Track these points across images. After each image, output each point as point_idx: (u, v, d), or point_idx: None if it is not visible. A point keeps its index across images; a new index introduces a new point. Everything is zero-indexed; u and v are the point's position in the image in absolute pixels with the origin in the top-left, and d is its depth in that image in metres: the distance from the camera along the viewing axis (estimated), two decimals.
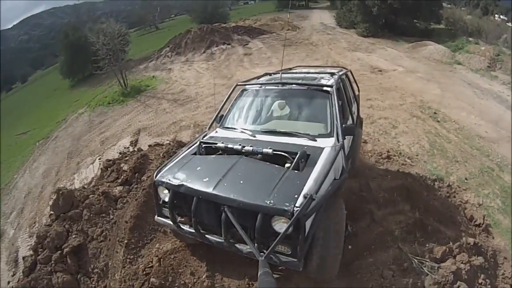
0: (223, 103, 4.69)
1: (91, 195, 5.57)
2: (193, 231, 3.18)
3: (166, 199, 3.33)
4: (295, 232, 2.63)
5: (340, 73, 5.42)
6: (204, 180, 3.11)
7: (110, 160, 7.12)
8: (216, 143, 3.79)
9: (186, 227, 3.28)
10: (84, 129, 12.05)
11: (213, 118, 4.58)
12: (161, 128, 9.62)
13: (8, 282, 5.67)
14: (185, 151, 3.90)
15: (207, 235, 3.16)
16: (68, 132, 12.64)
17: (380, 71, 13.45)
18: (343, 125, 3.83)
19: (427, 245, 4.07)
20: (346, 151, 3.78)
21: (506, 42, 17.39)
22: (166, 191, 3.34)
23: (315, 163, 3.22)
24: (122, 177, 6.06)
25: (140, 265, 3.91)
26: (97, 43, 14.38)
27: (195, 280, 3.59)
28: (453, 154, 7.24)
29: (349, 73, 6.04)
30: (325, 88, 4.28)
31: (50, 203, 5.95)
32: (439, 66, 14.18)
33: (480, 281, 3.93)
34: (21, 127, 17.34)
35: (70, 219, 5.24)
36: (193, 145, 4.00)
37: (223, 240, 2.99)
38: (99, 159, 8.53)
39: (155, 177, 3.44)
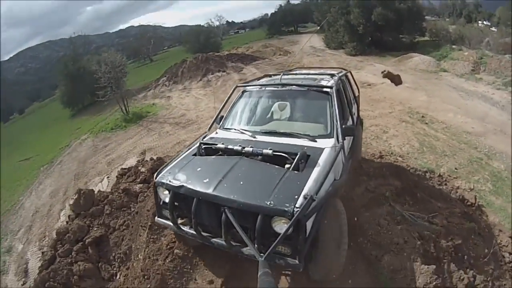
0: (223, 104, 4.72)
1: (111, 195, 5.89)
2: (194, 232, 3.15)
3: (166, 200, 3.31)
4: (295, 232, 2.62)
5: (340, 74, 5.42)
6: (204, 181, 3.09)
7: (125, 168, 7.40)
8: (216, 144, 3.77)
9: (186, 228, 3.25)
10: (88, 153, 12.27)
11: (213, 119, 4.58)
12: (166, 148, 9.85)
13: None
14: (185, 152, 3.88)
15: (207, 236, 3.13)
16: (72, 156, 12.86)
17: (369, 85, 13.89)
18: (343, 126, 3.82)
19: (417, 207, 4.45)
20: (346, 152, 3.84)
21: (489, 45, 17.89)
22: (166, 192, 3.33)
23: (315, 163, 3.20)
24: (140, 177, 6.38)
25: (164, 241, 4.07)
26: (99, 72, 14.88)
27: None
28: (442, 149, 7.57)
29: (348, 74, 6.07)
30: (325, 89, 4.27)
31: (71, 202, 6.18)
32: (425, 75, 14.66)
33: (473, 241, 4.20)
34: (23, 154, 17.49)
35: (91, 216, 5.57)
36: (193, 146, 3.98)
37: (223, 241, 2.96)
38: (108, 177, 8.73)
39: (155, 178, 3.42)
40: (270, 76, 5.59)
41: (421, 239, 3.83)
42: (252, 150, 3.47)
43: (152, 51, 49.74)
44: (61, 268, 4.77)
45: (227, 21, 55.32)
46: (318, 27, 26.78)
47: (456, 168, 6.81)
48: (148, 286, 3.73)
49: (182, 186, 3.11)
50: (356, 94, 6.42)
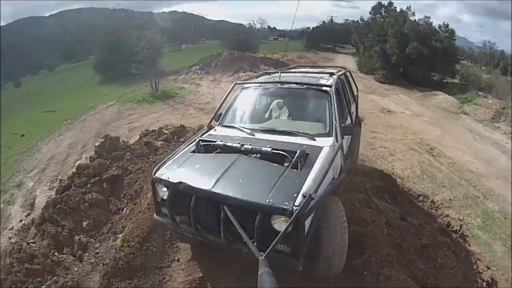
0: (222, 101, 4.76)
1: (133, 145, 6.44)
2: (192, 230, 3.15)
3: (165, 197, 3.30)
4: (295, 231, 2.61)
5: (339, 73, 5.40)
6: (203, 178, 3.08)
7: (149, 130, 7.87)
8: (215, 141, 3.76)
9: (185, 226, 3.25)
10: (113, 117, 12.63)
11: (212, 116, 4.62)
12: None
13: (20, 220, 6.22)
14: (183, 149, 3.86)
15: (206, 234, 3.13)
16: (96, 117, 13.24)
17: (389, 112, 14.14)
18: (342, 125, 3.82)
19: (393, 205, 4.77)
20: (345, 151, 3.87)
21: None
22: (164, 189, 3.32)
23: (314, 162, 3.21)
24: (162, 136, 6.91)
25: None
26: (139, 46, 15.62)
27: None
28: (442, 180, 7.75)
29: (348, 74, 6.07)
30: (324, 88, 4.28)
31: (96, 144, 6.67)
32: (445, 114, 14.77)
33: (444, 253, 4.50)
34: (48, 107, 17.99)
35: (112, 158, 6.19)
36: (191, 143, 3.96)
37: (222, 239, 2.96)
38: (127, 141, 8.93)
39: (154, 175, 3.40)
40: (269, 74, 5.64)
41: (388, 225, 4.19)
42: (251, 147, 3.48)
43: (190, 39, 49.79)
44: (74, 195, 5.33)
45: (268, 26, 55.32)
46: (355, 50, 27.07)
47: (450, 199, 6.99)
48: (150, 215, 4.01)
49: (181, 183, 3.11)
50: (355, 93, 6.52)
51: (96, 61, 26.89)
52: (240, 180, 3.01)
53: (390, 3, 24.20)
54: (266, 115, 4.49)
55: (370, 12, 26.01)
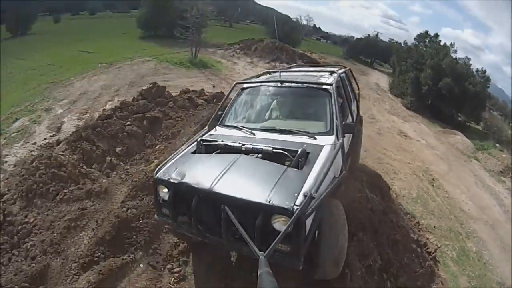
0: (222, 101, 4.85)
1: (177, 97, 7.08)
2: (193, 230, 3.16)
3: (166, 198, 3.30)
4: (295, 230, 2.59)
5: (340, 71, 5.39)
6: (204, 178, 3.07)
7: (189, 89, 8.51)
8: (216, 141, 3.77)
9: (186, 226, 3.24)
10: (148, 72, 13.08)
11: (212, 116, 4.62)
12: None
13: (45, 139, 6.79)
14: (184, 149, 3.85)
15: (207, 234, 3.12)
16: (132, 68, 13.66)
17: (406, 136, 14.54)
18: (343, 123, 3.84)
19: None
20: (345, 150, 3.83)
21: None
22: (165, 190, 3.29)
23: (315, 161, 3.20)
24: (203, 96, 7.52)
25: None
26: (189, 13, 16.25)
27: None
28: (432, 209, 8.19)
29: (348, 72, 6.10)
30: (324, 86, 4.27)
31: (144, 87, 7.29)
32: (457, 154, 15.02)
33: (411, 258, 5.12)
34: (85, 47, 18.35)
35: (156, 103, 6.83)
36: (192, 143, 3.94)
37: (223, 239, 2.95)
38: None
39: (155, 175, 3.40)
40: (269, 73, 5.59)
41: (371, 211, 4.71)
42: (252, 147, 3.49)
43: (235, 18, 49.46)
44: (115, 124, 6.03)
45: (314, 25, 54.74)
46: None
47: (435, 227, 7.42)
48: None
49: (182, 183, 3.12)
50: (356, 91, 6.53)
51: (140, 16, 27.07)
52: (241, 180, 3.04)
53: (436, 35, 24.21)
54: (267, 114, 4.48)
55: (415, 38, 26.00)
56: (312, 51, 32.52)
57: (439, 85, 20.45)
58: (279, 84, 4.50)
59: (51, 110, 8.66)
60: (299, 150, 3.23)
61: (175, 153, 3.81)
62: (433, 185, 9.71)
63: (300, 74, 5.43)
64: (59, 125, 7.70)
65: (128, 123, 6.32)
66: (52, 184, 4.90)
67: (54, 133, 7.29)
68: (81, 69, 13.21)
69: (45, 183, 4.88)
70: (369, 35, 47.99)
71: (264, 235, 2.67)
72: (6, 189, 4.99)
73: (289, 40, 30.57)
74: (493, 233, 8.40)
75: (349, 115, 4.87)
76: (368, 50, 44.53)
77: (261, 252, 2.12)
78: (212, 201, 2.96)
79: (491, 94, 24.45)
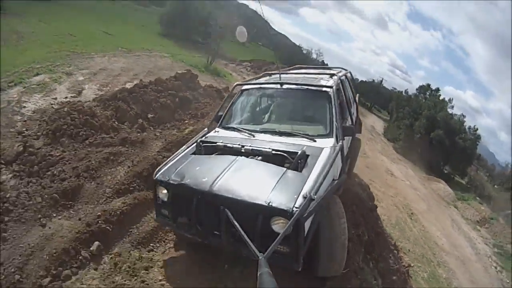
0: (222, 102, 4.80)
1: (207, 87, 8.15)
2: (193, 231, 3.14)
3: (165, 199, 3.30)
4: (295, 232, 2.58)
5: (340, 74, 5.35)
6: (203, 179, 3.05)
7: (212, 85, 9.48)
8: (215, 143, 3.72)
9: (185, 227, 3.21)
10: (165, 65, 13.44)
11: (212, 118, 4.58)
12: None
13: (66, 97, 7.15)
14: (184, 151, 3.81)
15: (206, 235, 3.10)
16: (150, 59, 13.99)
17: (392, 174, 15.05)
18: (342, 126, 3.84)
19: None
20: (345, 152, 3.83)
21: (507, 217, 17.79)
22: (165, 191, 3.29)
23: (314, 163, 3.17)
24: (227, 92, 8.45)
25: None
26: (213, 22, 17.22)
27: None
28: (409, 236, 8.68)
29: (348, 75, 6.09)
30: (324, 89, 4.21)
31: (179, 71, 8.26)
32: (438, 199, 15.68)
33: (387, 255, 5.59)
34: (106, 29, 18.56)
35: (187, 87, 7.97)
36: (192, 144, 3.91)
37: (222, 240, 2.95)
38: None
39: (154, 176, 3.37)
40: (269, 75, 5.50)
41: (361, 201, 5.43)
42: (251, 149, 3.46)
43: (250, 38, 50.24)
44: (149, 94, 6.72)
45: (323, 61, 55.89)
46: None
47: (409, 250, 7.92)
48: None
49: (181, 184, 3.11)
50: (356, 95, 6.61)
51: (164, 13, 27.37)
52: (240, 181, 3.01)
53: (437, 89, 25.65)
54: (267, 116, 4.48)
55: (416, 89, 27.40)
56: None
57: (431, 135, 21.46)
58: (279, 86, 4.48)
59: (72, 75, 8.95)
60: (299, 152, 3.21)
61: (174, 154, 3.78)
62: (411, 218, 10.22)
63: (300, 76, 5.32)
64: (80, 89, 8.03)
65: (163, 96, 7.03)
66: (83, 129, 5.36)
67: (75, 94, 7.62)
68: (101, 47, 13.54)
69: (76, 126, 5.33)
70: (373, 80, 49.16)
71: (264, 236, 2.66)
72: (24, 129, 5.43)
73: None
74: (463, 267, 8.90)
75: (349, 117, 4.84)
76: (369, 95, 45.31)
77: (260, 253, 2.08)
78: (211, 202, 2.92)
79: (481, 156, 25.39)
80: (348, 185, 5.18)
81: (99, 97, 6.85)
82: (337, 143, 3.55)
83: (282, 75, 4.99)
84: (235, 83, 4.95)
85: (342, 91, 4.87)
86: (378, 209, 8.91)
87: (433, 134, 21.45)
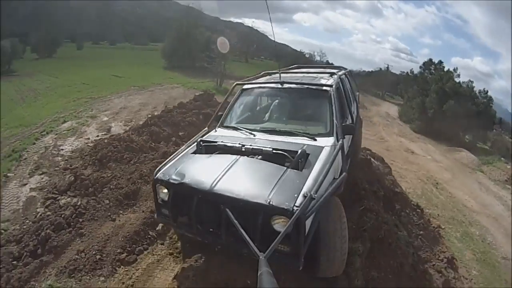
0: (222, 102, 4.89)
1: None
2: (193, 230, 3.15)
3: (166, 199, 3.30)
4: (295, 231, 2.59)
5: (340, 73, 5.37)
6: (204, 179, 3.06)
7: None
8: (216, 142, 3.73)
9: (185, 226, 3.23)
10: (179, 95, 14.32)
11: (212, 117, 4.63)
12: None
13: (97, 136, 8.09)
14: (184, 150, 3.83)
15: (207, 235, 3.11)
16: (164, 92, 14.98)
17: (412, 152, 15.42)
18: (343, 125, 3.84)
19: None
20: (345, 151, 3.80)
21: None
22: (165, 191, 3.29)
23: (315, 162, 3.19)
24: None
25: None
26: (212, 46, 18.31)
27: None
28: (436, 203, 8.94)
29: (348, 74, 6.11)
30: (324, 88, 4.23)
31: (197, 94, 9.20)
32: (462, 167, 15.67)
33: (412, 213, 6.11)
34: (115, 72, 19.78)
35: (207, 105, 9.38)
36: (192, 143, 3.93)
37: (223, 239, 2.95)
38: None
39: (155, 176, 3.38)
40: (269, 74, 5.51)
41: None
42: (252, 148, 3.46)
43: (251, 54, 50.47)
44: (176, 116, 8.07)
45: (327, 61, 55.70)
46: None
47: (438, 215, 8.12)
48: None
49: (182, 183, 3.11)
50: (356, 93, 6.58)
51: (165, 47, 28.89)
52: (241, 181, 3.03)
53: (440, 62, 25.67)
54: (267, 116, 4.50)
55: (420, 67, 27.59)
56: None
57: (443, 108, 21.50)
58: (279, 86, 4.49)
59: (96, 118, 9.88)
60: (299, 151, 3.21)
61: (175, 154, 3.80)
62: (436, 187, 10.47)
63: (300, 75, 5.36)
64: (108, 128, 8.94)
65: (188, 115, 8.15)
66: (125, 153, 6.26)
67: (105, 132, 8.51)
68: (115, 89, 14.58)
69: (119, 152, 6.23)
70: (380, 68, 49.44)
71: (264, 235, 2.68)
72: (69, 165, 6.34)
73: None
74: (496, 223, 8.97)
75: (349, 116, 4.85)
76: (379, 83, 45.16)
77: (261, 253, 2.11)
78: (212, 201, 2.95)
79: (503, 119, 25.05)
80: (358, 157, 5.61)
81: (132, 127, 7.85)
82: (337, 142, 3.55)
83: (282, 75, 4.98)
84: (235, 83, 4.99)
85: (342, 90, 4.88)
86: (402, 184, 9.30)
87: (445, 106, 21.43)
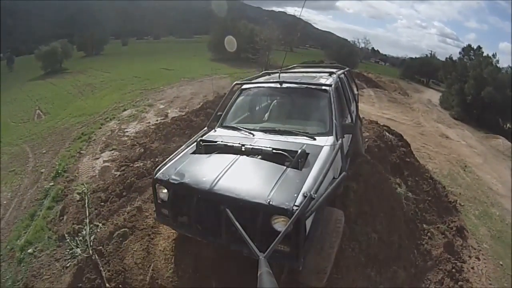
0: (221, 102, 4.82)
1: None
2: (193, 230, 3.13)
3: (165, 198, 3.28)
4: (295, 231, 2.58)
5: (339, 72, 5.33)
6: (203, 178, 3.04)
7: None
8: (215, 142, 3.70)
9: (185, 226, 3.22)
10: (227, 84, 14.94)
11: (212, 117, 4.57)
12: None
13: (157, 120, 9.23)
14: (184, 150, 3.81)
15: (206, 234, 3.09)
16: (212, 82, 15.65)
17: (447, 137, 15.54)
18: (342, 124, 3.81)
19: None
20: (345, 150, 3.78)
21: None
22: (165, 191, 3.27)
23: (314, 161, 3.17)
24: None
25: None
26: (259, 37, 19.00)
27: None
28: (460, 183, 9.32)
29: (347, 73, 6.09)
30: (323, 87, 4.21)
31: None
32: (496, 153, 15.61)
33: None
34: (164, 66, 20.91)
35: None
36: (192, 143, 3.90)
37: (223, 239, 2.93)
38: None
39: (154, 176, 3.36)
40: (269, 74, 5.50)
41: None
42: (251, 147, 3.43)
43: (295, 43, 49.57)
44: (226, 101, 8.65)
45: (372, 48, 54.54)
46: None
47: (460, 193, 8.51)
48: None
49: (181, 183, 3.10)
50: (355, 92, 6.67)
51: (211, 40, 30.25)
52: (240, 180, 3.01)
53: (479, 47, 25.30)
54: (266, 115, 4.43)
55: (460, 52, 27.21)
56: (369, 71, 33.82)
57: (481, 94, 21.25)
58: (278, 85, 4.45)
59: (153, 106, 11.07)
60: (299, 151, 3.18)
61: (174, 154, 3.78)
62: (464, 170, 10.75)
63: (299, 75, 5.38)
64: (165, 114, 10.10)
65: None
66: (186, 129, 7.44)
67: (163, 117, 9.66)
68: (166, 81, 15.76)
69: (181, 129, 7.43)
70: (426, 55, 47.68)
71: (264, 235, 2.66)
72: (136, 142, 7.58)
73: (347, 62, 31.13)
74: None
75: (348, 115, 4.84)
76: (423, 69, 44.11)
77: (261, 253, 2.11)
78: (211, 201, 2.93)
79: None
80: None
81: (189, 111, 9.01)
82: (337, 141, 3.53)
83: (281, 74, 5.05)
84: (234, 82, 4.94)
85: (342, 89, 4.88)
86: (430, 165, 9.70)
87: (484, 92, 21.19)
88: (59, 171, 7.19)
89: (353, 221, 4.44)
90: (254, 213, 2.73)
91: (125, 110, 10.97)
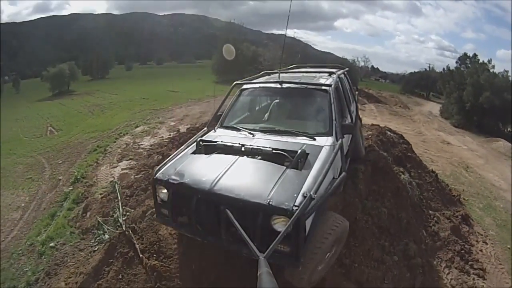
0: (221, 102, 4.81)
1: None
2: (193, 230, 3.12)
3: (165, 199, 3.27)
4: (295, 231, 2.56)
5: (339, 72, 5.30)
6: (203, 179, 3.03)
7: None
8: (215, 142, 3.68)
9: (185, 227, 3.21)
10: None
11: (212, 117, 4.55)
12: None
13: (169, 135, 9.69)
14: (184, 150, 3.79)
15: (206, 235, 3.07)
16: (219, 103, 16.25)
17: (448, 143, 15.87)
18: (342, 124, 3.80)
19: None
20: (345, 150, 3.80)
21: None
22: (164, 191, 3.26)
23: (314, 162, 3.16)
24: None
25: None
26: (262, 58, 19.49)
27: None
28: (463, 182, 9.59)
29: (347, 73, 6.11)
30: (323, 87, 4.17)
31: None
32: (497, 155, 15.89)
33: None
34: (170, 88, 21.52)
35: None
36: (192, 143, 3.87)
37: (222, 240, 2.92)
38: None
39: (154, 176, 3.35)
40: (269, 74, 5.46)
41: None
42: (251, 148, 3.41)
43: (295, 63, 51.16)
44: None
45: (372, 66, 55.43)
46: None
47: (464, 190, 8.75)
48: None
49: (181, 183, 3.09)
50: (355, 92, 6.76)
51: (213, 64, 31.15)
52: (240, 180, 3.00)
53: (475, 55, 26.25)
54: (266, 115, 4.41)
55: (456, 62, 28.17)
56: (370, 88, 34.65)
57: (479, 100, 21.73)
58: (278, 85, 4.44)
59: (164, 123, 11.58)
60: (298, 151, 3.17)
61: (174, 154, 3.77)
62: (466, 170, 11.03)
63: (299, 75, 5.30)
64: (177, 129, 10.61)
65: None
66: None
67: (175, 132, 10.13)
68: (174, 102, 16.35)
69: None
70: (425, 69, 48.54)
71: (264, 235, 2.65)
72: (152, 152, 8.06)
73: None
74: None
75: (348, 115, 4.78)
76: (422, 83, 44.76)
77: (260, 253, 2.11)
78: (211, 201, 2.92)
79: None
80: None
81: (202, 124, 9.52)
82: (337, 141, 3.53)
83: (281, 74, 5.03)
84: (234, 82, 4.89)
85: (341, 89, 4.86)
86: (433, 167, 9.62)
87: (482, 98, 21.65)
88: (78, 177, 7.65)
89: (364, 197, 4.95)
90: (254, 213, 2.73)
91: (137, 126, 11.54)
